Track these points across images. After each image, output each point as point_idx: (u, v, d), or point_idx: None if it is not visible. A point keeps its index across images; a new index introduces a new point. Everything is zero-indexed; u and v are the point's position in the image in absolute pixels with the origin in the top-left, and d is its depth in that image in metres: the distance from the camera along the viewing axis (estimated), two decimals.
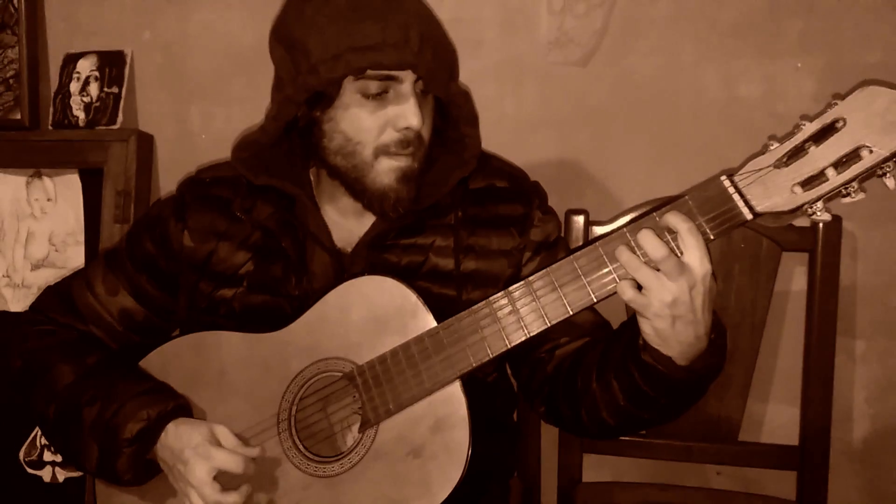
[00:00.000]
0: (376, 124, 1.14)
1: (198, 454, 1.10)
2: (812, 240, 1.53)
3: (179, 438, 1.13)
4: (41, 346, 1.27)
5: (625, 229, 1.00)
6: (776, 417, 1.68)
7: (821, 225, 1.52)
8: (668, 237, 0.97)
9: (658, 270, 0.95)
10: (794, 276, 1.64)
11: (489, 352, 1.06)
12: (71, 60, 1.88)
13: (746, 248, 1.56)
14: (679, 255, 0.95)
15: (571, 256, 1.03)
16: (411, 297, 1.11)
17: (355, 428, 1.13)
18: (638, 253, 0.97)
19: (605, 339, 1.15)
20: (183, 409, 1.18)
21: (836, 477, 1.57)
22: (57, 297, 1.33)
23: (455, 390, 1.08)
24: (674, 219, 0.95)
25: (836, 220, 1.53)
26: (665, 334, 0.98)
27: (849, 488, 1.68)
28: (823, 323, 1.53)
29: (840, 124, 0.92)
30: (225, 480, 1.10)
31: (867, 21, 1.56)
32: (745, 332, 1.57)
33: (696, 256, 0.94)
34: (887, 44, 1.55)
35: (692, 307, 0.96)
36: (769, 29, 1.60)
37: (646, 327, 0.99)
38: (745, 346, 1.57)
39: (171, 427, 1.15)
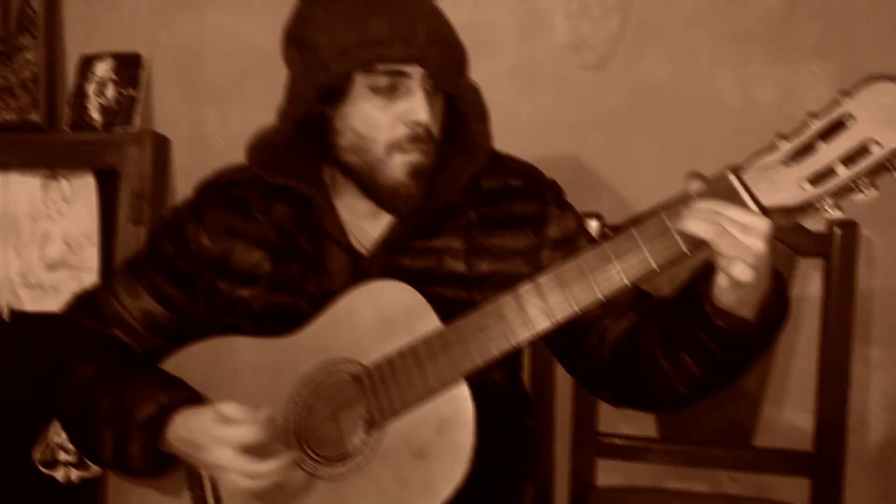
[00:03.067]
0: (386, 120, 1.15)
1: (213, 439, 1.10)
2: (828, 245, 1.52)
3: (188, 427, 1.13)
4: (64, 350, 1.29)
5: (632, 228, 1.00)
6: (791, 423, 1.67)
7: (837, 230, 1.51)
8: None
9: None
10: (810, 281, 1.63)
11: (495, 351, 1.06)
12: (88, 62, 1.90)
13: None
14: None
15: (579, 255, 1.03)
16: (419, 299, 1.11)
17: (361, 429, 1.13)
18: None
19: (658, 314, 1.13)
20: (193, 399, 1.18)
21: (851, 484, 1.55)
22: (83, 304, 1.35)
23: (461, 391, 1.07)
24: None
25: (853, 225, 1.51)
26: (747, 298, 0.97)
27: (864, 495, 1.67)
28: (839, 329, 1.52)
29: (848, 120, 0.91)
30: (255, 452, 1.09)
31: (884, 25, 1.55)
32: None
33: (753, 215, 0.93)
34: None
35: (769, 262, 0.95)
36: (785, 34, 1.59)
37: (728, 297, 0.97)
38: None
39: (178, 418, 1.14)
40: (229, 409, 1.12)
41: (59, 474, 1.84)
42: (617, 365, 1.18)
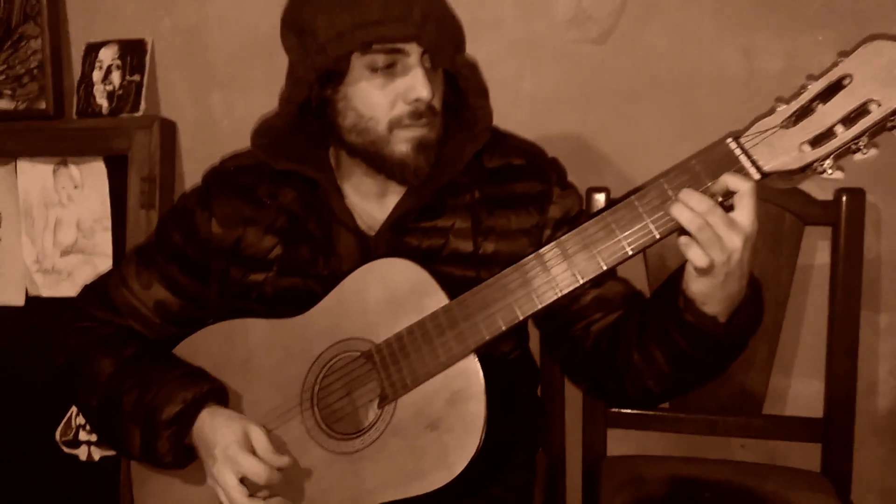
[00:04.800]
0: (386, 99, 1.15)
1: (227, 457, 1.12)
2: (835, 213, 1.52)
3: (214, 432, 1.15)
4: (81, 343, 1.30)
5: (633, 198, 1.00)
6: (800, 391, 1.68)
7: (844, 198, 1.51)
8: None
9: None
10: (818, 249, 1.63)
11: (501, 324, 1.07)
12: (93, 49, 1.90)
13: (769, 223, 1.55)
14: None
15: (581, 227, 1.03)
16: (425, 277, 1.13)
17: (375, 404, 1.15)
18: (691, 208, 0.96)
19: (640, 310, 1.15)
20: (218, 391, 1.21)
21: (860, 449, 1.57)
22: (95, 295, 1.36)
23: (470, 364, 1.09)
24: (732, 179, 0.95)
25: (860, 192, 1.51)
26: (714, 292, 0.98)
27: (873, 460, 1.68)
28: (847, 296, 1.53)
29: (847, 81, 0.91)
30: (253, 483, 1.13)
31: None
32: (769, 307, 1.54)
33: (752, 214, 0.95)
34: None
35: (742, 262, 0.96)
36: (789, 2, 1.58)
37: (695, 286, 0.99)
38: (768, 321, 1.56)
39: (206, 415, 1.17)
40: (256, 437, 1.14)
41: (80, 453, 1.88)
42: (596, 356, 1.20)
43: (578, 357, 1.24)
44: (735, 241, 0.94)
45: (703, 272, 0.96)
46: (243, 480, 1.13)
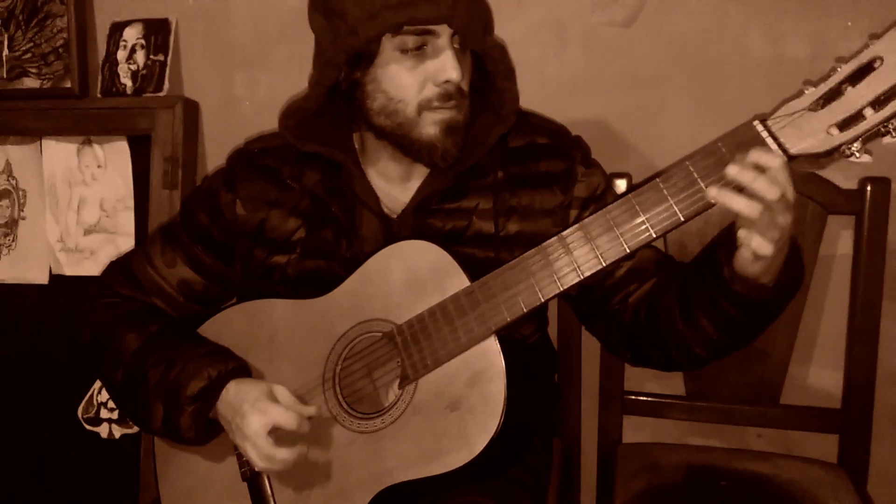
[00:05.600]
0: (416, 81, 1.15)
1: (255, 408, 1.14)
2: (859, 202, 1.51)
3: (239, 394, 1.17)
4: (107, 318, 1.32)
5: (658, 180, 1.00)
6: (819, 380, 1.67)
7: (868, 187, 1.50)
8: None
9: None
10: (841, 239, 1.61)
11: (523, 306, 1.07)
12: (117, 29, 1.91)
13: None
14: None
15: (604, 209, 1.04)
16: (447, 258, 1.13)
17: (396, 385, 1.16)
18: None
19: (677, 277, 1.15)
20: (242, 369, 1.22)
21: (878, 440, 1.56)
22: (120, 272, 1.38)
23: (491, 345, 1.09)
24: (763, 156, 0.93)
25: (885, 181, 1.50)
26: (769, 266, 0.99)
27: (891, 451, 1.67)
28: (869, 286, 1.51)
29: (877, 63, 0.90)
30: (281, 437, 1.14)
31: None
32: None
33: (792, 188, 0.93)
34: None
35: (788, 232, 0.97)
36: None
37: (752, 268, 0.99)
38: (788, 309, 1.55)
39: (231, 385, 1.19)
40: (281, 391, 1.17)
41: (101, 430, 1.90)
42: (636, 327, 1.21)
43: (618, 330, 1.25)
44: (787, 219, 0.94)
45: (762, 256, 0.96)
46: (270, 434, 1.13)
